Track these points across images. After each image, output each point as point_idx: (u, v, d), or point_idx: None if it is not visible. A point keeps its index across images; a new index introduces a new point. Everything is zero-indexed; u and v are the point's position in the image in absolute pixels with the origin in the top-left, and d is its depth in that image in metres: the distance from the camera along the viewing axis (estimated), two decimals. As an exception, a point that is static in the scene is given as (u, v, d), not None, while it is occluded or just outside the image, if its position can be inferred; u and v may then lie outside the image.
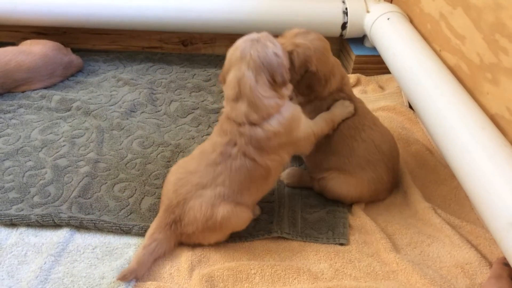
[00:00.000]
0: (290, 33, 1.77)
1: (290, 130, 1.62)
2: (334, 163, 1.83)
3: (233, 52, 1.58)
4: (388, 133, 1.90)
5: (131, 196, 1.85)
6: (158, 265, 1.61)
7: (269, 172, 1.64)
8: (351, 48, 2.77)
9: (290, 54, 1.71)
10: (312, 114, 1.79)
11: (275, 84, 1.56)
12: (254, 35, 1.58)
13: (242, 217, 1.63)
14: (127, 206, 1.81)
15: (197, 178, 1.62)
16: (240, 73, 1.54)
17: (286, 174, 1.95)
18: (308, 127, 1.70)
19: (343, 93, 1.84)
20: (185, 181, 1.63)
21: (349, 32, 2.70)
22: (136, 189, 1.89)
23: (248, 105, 1.54)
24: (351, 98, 1.85)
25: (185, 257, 1.62)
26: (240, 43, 1.58)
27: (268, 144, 1.59)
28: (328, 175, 1.83)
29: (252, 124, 1.56)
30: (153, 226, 1.64)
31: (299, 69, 1.73)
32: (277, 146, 1.61)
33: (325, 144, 1.83)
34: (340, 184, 1.82)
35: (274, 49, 1.55)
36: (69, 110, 2.33)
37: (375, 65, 2.69)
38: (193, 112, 2.36)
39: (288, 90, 1.63)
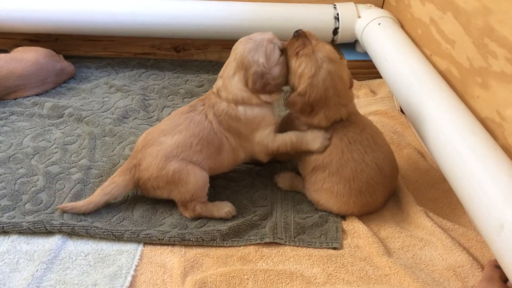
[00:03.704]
0: (323, 45, 1.74)
1: (248, 125, 1.78)
2: (333, 185, 1.78)
3: (238, 41, 1.80)
4: (390, 152, 1.86)
5: (124, 203, 1.85)
6: (150, 272, 1.60)
7: (222, 146, 1.79)
8: (343, 53, 2.78)
9: (300, 55, 1.71)
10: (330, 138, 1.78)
11: (247, 85, 1.74)
12: (260, 36, 1.76)
13: (196, 175, 1.74)
14: (119, 212, 1.80)
15: (163, 125, 1.83)
16: (228, 61, 1.79)
17: (279, 177, 1.95)
18: (266, 138, 1.81)
19: (350, 121, 1.78)
20: (154, 129, 1.83)
21: (340, 37, 2.72)
22: (128, 196, 1.88)
23: (222, 84, 1.78)
24: (354, 121, 1.78)
25: (178, 263, 1.62)
26: (244, 37, 1.79)
27: (226, 120, 1.77)
28: (322, 194, 1.82)
29: (220, 97, 1.78)
30: (117, 171, 1.83)
31: (294, 75, 1.74)
32: (234, 128, 1.78)
33: (326, 166, 1.79)
34: (331, 205, 1.82)
35: (263, 58, 1.72)
36: (61, 117, 2.32)
37: (367, 69, 2.70)
38: (185, 118, 2.36)
39: (270, 97, 1.78)
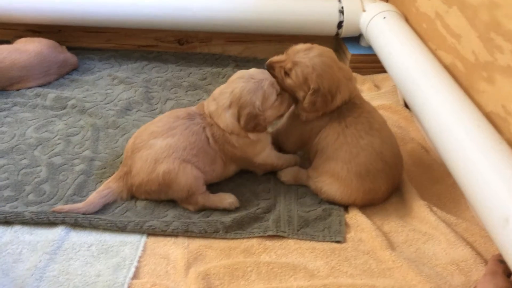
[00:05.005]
0: (293, 50, 1.79)
1: (243, 151, 1.84)
2: (332, 168, 1.81)
3: (236, 74, 1.83)
4: (391, 139, 1.86)
5: (127, 194, 1.85)
6: (154, 263, 1.61)
7: (216, 158, 1.82)
8: (347, 47, 2.77)
9: (288, 72, 1.76)
10: (318, 129, 1.84)
11: (238, 121, 1.76)
12: (262, 76, 1.76)
13: (186, 174, 1.73)
14: (122, 204, 1.80)
15: (154, 127, 1.80)
16: (225, 90, 1.78)
17: (282, 171, 1.95)
18: (268, 158, 1.91)
19: (350, 103, 1.82)
20: (143, 131, 1.81)
21: (345, 31, 2.71)
22: (131, 187, 1.88)
23: (215, 110, 1.79)
24: (356, 105, 1.82)
25: (181, 255, 1.62)
26: (245, 72, 1.81)
27: (222, 142, 1.80)
28: (325, 179, 1.83)
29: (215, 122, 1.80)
30: (112, 176, 1.83)
31: (300, 87, 1.76)
32: (229, 150, 1.82)
33: (324, 150, 1.83)
34: (334, 191, 1.82)
35: (260, 101, 1.74)
36: (64, 108, 2.32)
37: (371, 64, 2.69)
38: (189, 111, 2.36)
39: (256, 136, 1.81)
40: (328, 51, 1.80)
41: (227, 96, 1.76)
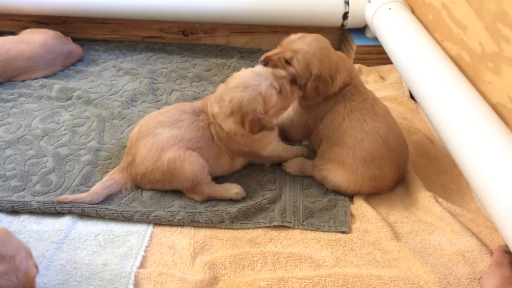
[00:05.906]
0: (288, 40, 1.80)
1: (250, 146, 1.84)
2: (338, 154, 1.81)
3: (232, 80, 1.75)
4: (395, 126, 1.87)
5: (133, 185, 1.86)
6: (160, 253, 1.61)
7: (221, 153, 1.83)
8: (352, 38, 2.76)
9: (290, 60, 1.76)
10: (323, 114, 1.85)
11: (243, 127, 1.73)
12: (257, 79, 1.70)
13: (192, 162, 1.73)
14: (128, 194, 1.81)
15: (161, 116, 1.81)
16: (224, 97, 1.73)
17: (288, 163, 1.95)
18: (275, 151, 1.92)
19: (352, 87, 1.84)
20: (150, 120, 1.82)
21: (350, 22, 2.70)
22: (137, 178, 1.89)
23: (218, 113, 1.77)
24: (360, 91, 1.84)
25: (187, 245, 1.63)
26: (241, 78, 1.72)
27: (226, 140, 1.80)
28: (331, 167, 1.83)
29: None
30: (115, 168, 1.84)
31: (303, 74, 1.76)
32: (235, 147, 1.83)
33: (329, 136, 1.84)
34: (340, 178, 1.82)
35: (261, 105, 1.70)
36: (69, 99, 2.32)
37: (376, 55, 2.69)
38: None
39: (263, 134, 1.79)
40: (320, 36, 1.83)
41: (226, 104, 1.72)
